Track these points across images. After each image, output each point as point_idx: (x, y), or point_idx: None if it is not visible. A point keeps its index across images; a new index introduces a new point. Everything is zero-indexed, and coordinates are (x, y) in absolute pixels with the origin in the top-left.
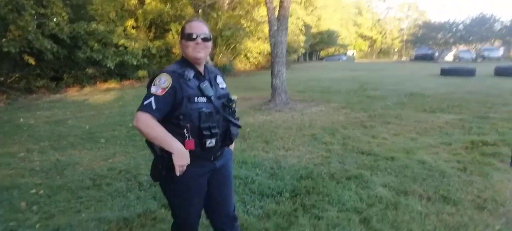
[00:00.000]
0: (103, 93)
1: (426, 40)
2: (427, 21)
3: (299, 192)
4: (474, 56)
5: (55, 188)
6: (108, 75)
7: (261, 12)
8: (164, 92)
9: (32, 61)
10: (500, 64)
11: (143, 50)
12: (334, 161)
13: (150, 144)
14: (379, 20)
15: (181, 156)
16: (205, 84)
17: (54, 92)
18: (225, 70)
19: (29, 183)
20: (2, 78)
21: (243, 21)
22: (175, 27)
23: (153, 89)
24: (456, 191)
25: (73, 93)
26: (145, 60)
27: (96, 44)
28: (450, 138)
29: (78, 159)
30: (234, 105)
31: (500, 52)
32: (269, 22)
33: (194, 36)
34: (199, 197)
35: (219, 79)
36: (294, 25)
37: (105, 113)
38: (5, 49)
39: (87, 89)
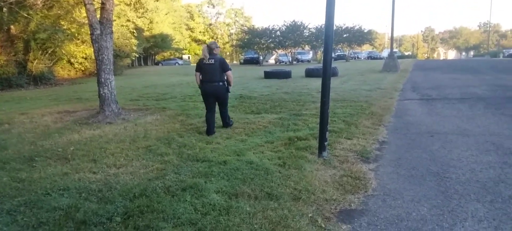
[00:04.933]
0: None
1: (252, 45)
2: (251, 27)
3: (132, 213)
4: (290, 59)
5: None
6: None
7: (84, 13)
8: None
9: None
10: (309, 66)
11: None
12: (170, 172)
13: (225, 80)
14: (210, 25)
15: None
16: None
17: None
18: (43, 79)
19: None
20: None
21: (62, 22)
22: None
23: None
24: (278, 187)
25: None
26: None
27: None
28: (272, 136)
29: None
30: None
31: (310, 55)
32: (90, 25)
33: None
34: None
35: None
36: (124, 27)
37: None
38: None
39: None
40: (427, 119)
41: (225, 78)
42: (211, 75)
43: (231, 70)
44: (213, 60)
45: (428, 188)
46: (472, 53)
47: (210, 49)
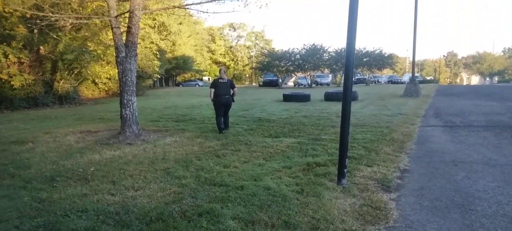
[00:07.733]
0: None
1: (271, 67)
2: (271, 50)
3: None
4: (309, 82)
5: None
6: None
7: (110, 35)
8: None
9: None
10: (329, 89)
11: None
12: (187, 196)
13: (232, 94)
14: (231, 47)
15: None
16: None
17: None
18: (68, 98)
19: None
20: None
21: (89, 44)
22: (1, 49)
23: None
24: (295, 215)
25: None
26: None
27: None
28: (290, 161)
29: None
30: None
31: (329, 78)
32: (116, 48)
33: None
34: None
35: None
36: (148, 49)
37: None
38: None
39: None
40: (451, 147)
41: (232, 93)
42: (224, 90)
43: (236, 87)
44: (225, 80)
45: (452, 220)
46: (496, 79)
47: (224, 72)
